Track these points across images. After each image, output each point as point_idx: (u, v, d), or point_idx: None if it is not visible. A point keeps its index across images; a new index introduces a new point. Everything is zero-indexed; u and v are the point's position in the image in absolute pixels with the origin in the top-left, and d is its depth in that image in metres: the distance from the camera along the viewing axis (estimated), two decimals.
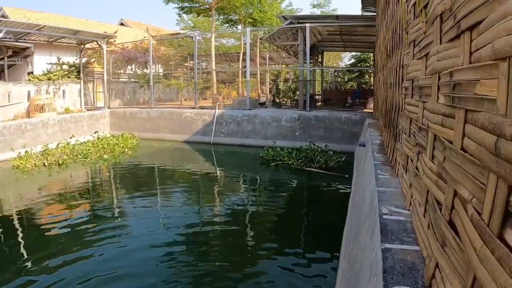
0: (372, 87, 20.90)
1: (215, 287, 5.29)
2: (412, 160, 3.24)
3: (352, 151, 12.73)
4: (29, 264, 5.74)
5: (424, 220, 2.39)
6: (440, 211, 1.96)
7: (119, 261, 5.89)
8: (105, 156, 14.01)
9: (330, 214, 8.40)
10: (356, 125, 14.12)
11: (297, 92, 18.87)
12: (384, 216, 3.04)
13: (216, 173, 12.82)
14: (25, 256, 6.02)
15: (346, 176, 10.55)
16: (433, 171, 2.26)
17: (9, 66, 18.74)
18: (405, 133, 3.82)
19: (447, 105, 2.00)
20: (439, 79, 2.23)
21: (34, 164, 12.17)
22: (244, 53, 20.63)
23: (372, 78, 24.80)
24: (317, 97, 22.34)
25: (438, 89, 2.25)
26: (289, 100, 21.15)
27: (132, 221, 7.92)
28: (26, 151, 13.10)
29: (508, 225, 1.11)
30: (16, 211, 8.23)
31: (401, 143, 4.10)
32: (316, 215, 8.27)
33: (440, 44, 2.26)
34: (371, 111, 14.83)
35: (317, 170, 11.63)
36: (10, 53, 19.24)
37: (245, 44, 20.22)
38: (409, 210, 3.15)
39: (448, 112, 1.99)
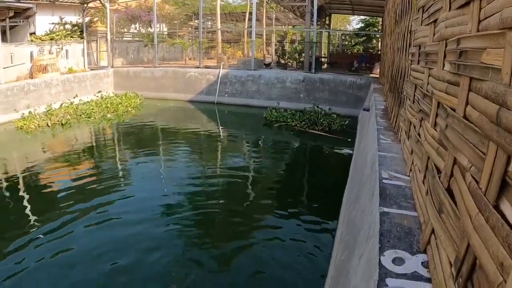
0: (379, 52, 20.53)
1: (217, 239, 5.49)
2: (414, 127, 3.24)
3: (356, 115, 12.68)
4: (37, 217, 5.93)
5: (423, 186, 2.42)
6: (439, 178, 1.98)
7: (124, 208, 6.30)
8: (108, 116, 14.01)
9: (332, 176, 8.49)
10: (361, 89, 13.99)
11: (303, 54, 18.56)
12: (384, 181, 3.07)
13: (220, 132, 12.88)
14: (34, 211, 6.19)
15: (349, 140, 10.58)
16: (435, 138, 2.27)
17: (11, 28, 18.19)
18: (409, 99, 3.80)
19: (452, 73, 1.99)
20: (446, 46, 2.20)
21: (38, 124, 12.12)
22: (250, 13, 20.18)
23: (379, 43, 24.28)
24: (323, 59, 22.01)
25: (445, 56, 2.23)
26: (295, 62, 20.84)
27: (135, 177, 8.16)
28: (30, 112, 13.00)
29: (504, 195, 1.12)
30: (21, 171, 8.32)
31: (404, 109, 4.09)
32: (317, 177, 8.36)
33: (449, 11, 2.22)
34: (377, 76, 14.66)
35: (320, 133, 11.65)
36: (11, 14, 18.75)
37: (251, 3, 19.73)
38: (409, 176, 3.18)
39: (453, 80, 1.97)
